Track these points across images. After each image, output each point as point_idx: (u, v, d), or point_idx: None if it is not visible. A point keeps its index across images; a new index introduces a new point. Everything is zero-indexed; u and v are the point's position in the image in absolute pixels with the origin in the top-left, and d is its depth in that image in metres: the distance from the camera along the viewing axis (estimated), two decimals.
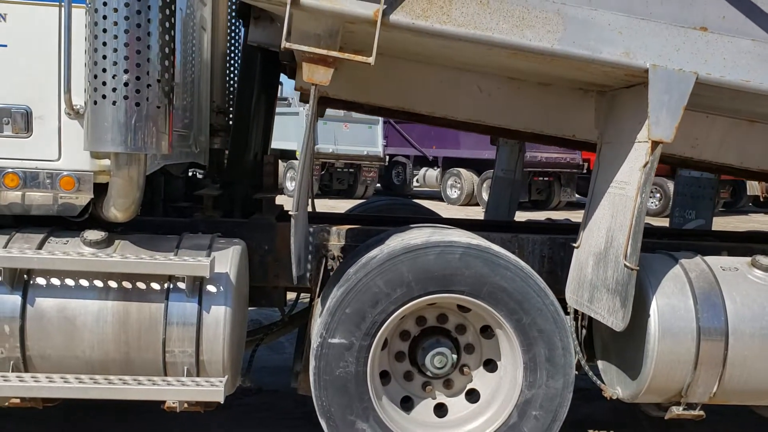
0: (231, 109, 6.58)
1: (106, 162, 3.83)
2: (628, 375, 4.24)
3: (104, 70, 3.49)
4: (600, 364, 4.67)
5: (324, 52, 3.54)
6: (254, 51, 5.17)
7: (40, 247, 3.91)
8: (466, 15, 3.59)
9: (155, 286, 3.87)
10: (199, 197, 5.46)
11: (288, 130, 18.94)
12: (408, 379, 4.26)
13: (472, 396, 4.28)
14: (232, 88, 6.64)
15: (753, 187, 21.80)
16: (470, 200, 22.67)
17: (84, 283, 3.83)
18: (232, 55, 6.52)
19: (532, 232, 5.06)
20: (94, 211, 4.06)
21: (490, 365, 4.28)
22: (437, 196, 23.46)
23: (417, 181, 26.28)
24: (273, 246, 4.73)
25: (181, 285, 3.87)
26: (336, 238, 4.72)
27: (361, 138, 23.04)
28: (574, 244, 4.49)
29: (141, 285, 3.86)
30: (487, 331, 4.24)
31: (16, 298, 3.76)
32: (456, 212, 18.76)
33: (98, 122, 3.57)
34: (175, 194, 5.38)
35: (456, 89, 5.03)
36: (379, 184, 25.43)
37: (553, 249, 4.88)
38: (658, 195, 21.95)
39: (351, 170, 23.45)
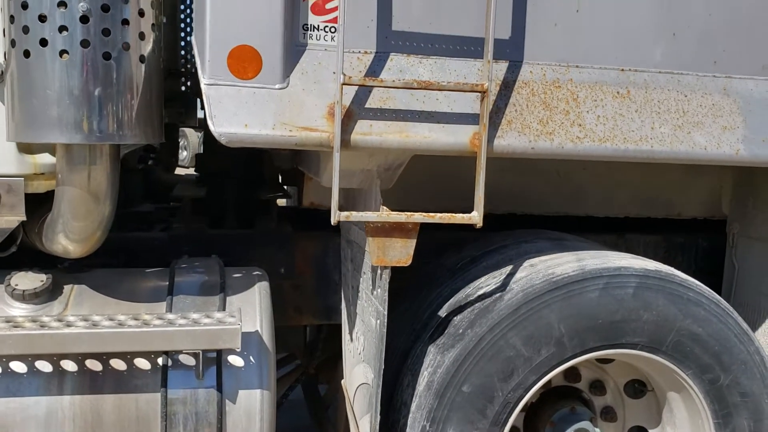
0: (184, 71, 4.96)
1: (47, 159, 2.23)
2: None
3: None
4: None
5: (404, 218, 2.13)
6: None
7: None
8: (605, 120, 2.32)
9: (142, 364, 2.31)
10: (164, 196, 3.89)
11: None
12: None
13: None
14: (185, 43, 5.01)
15: None
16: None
17: (18, 368, 2.23)
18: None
19: (638, 231, 3.74)
20: (26, 238, 2.45)
21: None
22: None
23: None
24: (292, 268, 3.23)
25: (186, 359, 2.33)
26: None
27: None
28: None
29: (118, 365, 2.29)
30: (630, 386, 2.91)
31: None
32: None
33: (32, 90, 1.97)
34: (133, 194, 3.74)
35: (522, 177, 3.35)
36: None
37: (670, 253, 3.61)
38: None
39: None
